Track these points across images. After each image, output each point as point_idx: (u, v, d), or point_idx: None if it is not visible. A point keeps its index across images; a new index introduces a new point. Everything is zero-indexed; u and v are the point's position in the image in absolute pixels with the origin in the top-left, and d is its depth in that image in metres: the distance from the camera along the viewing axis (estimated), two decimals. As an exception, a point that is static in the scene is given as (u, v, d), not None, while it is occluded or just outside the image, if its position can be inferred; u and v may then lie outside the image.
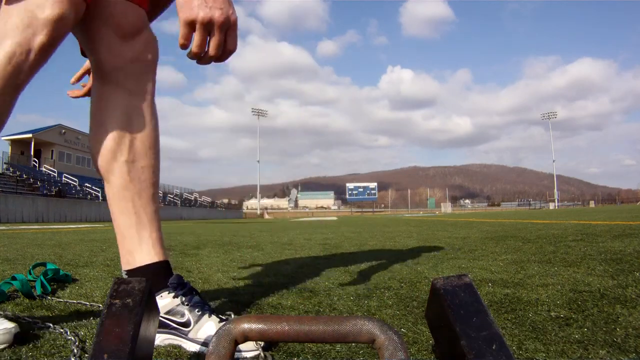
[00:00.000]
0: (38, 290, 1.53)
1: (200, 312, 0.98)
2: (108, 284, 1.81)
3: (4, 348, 0.94)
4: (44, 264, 1.88)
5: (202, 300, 1.02)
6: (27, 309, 1.35)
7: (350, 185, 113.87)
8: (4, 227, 11.48)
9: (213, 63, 0.86)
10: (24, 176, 27.36)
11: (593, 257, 2.22)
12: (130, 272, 1.03)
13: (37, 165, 32.93)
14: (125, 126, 0.98)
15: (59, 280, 1.82)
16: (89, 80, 1.21)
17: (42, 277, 1.61)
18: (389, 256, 2.70)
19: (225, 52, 0.85)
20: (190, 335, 0.96)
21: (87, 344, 0.98)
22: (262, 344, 0.88)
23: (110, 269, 2.34)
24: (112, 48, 0.95)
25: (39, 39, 0.77)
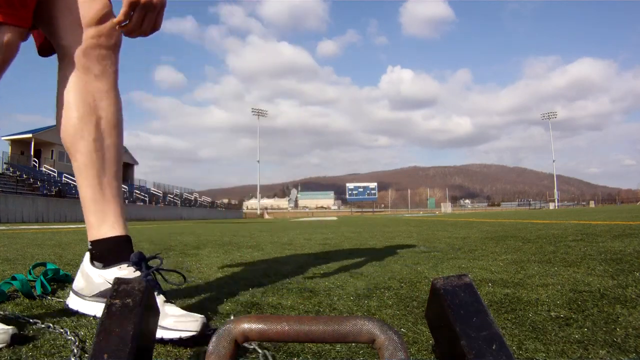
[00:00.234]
0: (38, 290, 1.53)
1: (156, 292, 1.00)
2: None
3: (2, 348, 0.94)
4: (44, 264, 1.88)
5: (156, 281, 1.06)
6: (27, 309, 1.35)
7: (350, 185, 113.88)
8: (4, 227, 11.48)
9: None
10: (24, 176, 27.36)
11: (593, 257, 2.22)
12: (94, 243, 1.08)
13: (37, 165, 32.93)
14: (91, 107, 1.04)
15: (59, 280, 1.82)
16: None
17: (42, 277, 1.61)
18: (389, 256, 2.70)
19: (153, 29, 1.00)
20: None
21: (87, 344, 0.98)
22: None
23: (110, 269, 2.34)
24: (77, 35, 1.02)
25: None
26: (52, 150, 36.29)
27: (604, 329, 1.01)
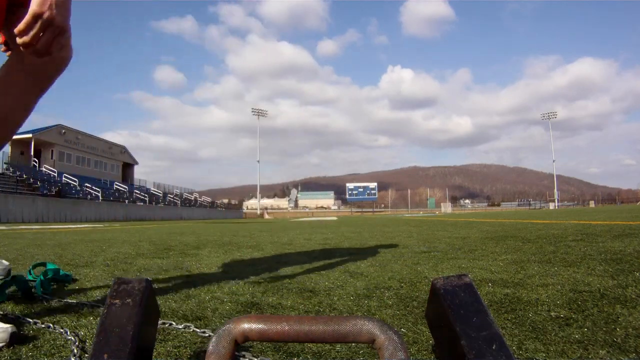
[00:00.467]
0: (38, 291, 1.53)
1: None
2: (108, 284, 1.81)
3: (2, 347, 0.94)
4: (43, 264, 1.88)
5: None
6: (27, 309, 1.35)
7: (350, 185, 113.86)
8: (4, 227, 11.48)
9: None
10: (24, 176, 27.35)
11: (593, 257, 2.22)
12: None
13: (37, 165, 32.92)
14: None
15: (59, 280, 1.82)
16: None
17: (42, 277, 1.61)
18: (389, 256, 2.70)
19: (47, 51, 0.96)
20: None
21: (87, 344, 0.98)
22: None
23: (110, 269, 2.34)
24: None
25: None
26: (52, 150, 36.28)
27: (604, 329, 1.01)
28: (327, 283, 1.75)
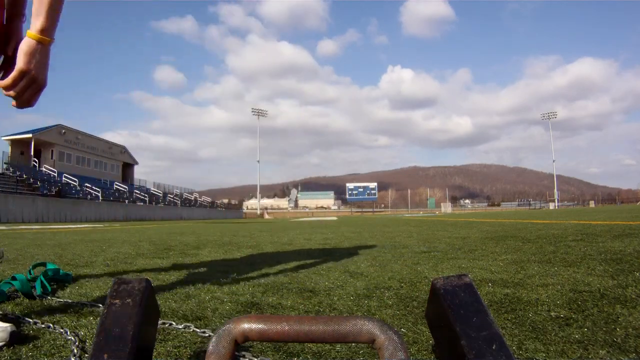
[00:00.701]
0: (38, 290, 1.53)
1: None
2: (108, 284, 1.81)
3: (2, 346, 0.94)
4: (43, 264, 1.88)
5: None
6: (27, 309, 1.35)
7: (350, 185, 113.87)
8: (4, 227, 11.48)
9: None
10: (24, 176, 27.35)
11: (593, 257, 2.22)
12: None
13: (37, 165, 32.92)
14: None
15: (59, 280, 1.82)
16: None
17: (42, 277, 1.61)
18: (389, 256, 2.70)
19: (29, 104, 1.08)
20: None
21: (87, 344, 0.98)
22: None
23: (110, 269, 2.34)
24: None
25: None
26: (52, 150, 36.27)
27: (604, 329, 1.01)
28: (327, 283, 1.75)
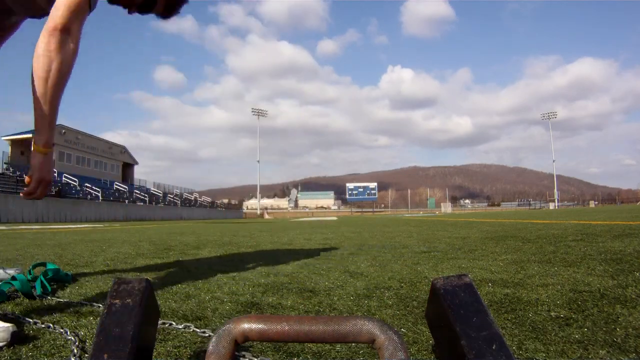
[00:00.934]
0: (38, 290, 1.53)
1: None
2: (108, 284, 1.81)
3: (3, 346, 0.94)
4: (44, 264, 1.88)
5: None
6: (27, 309, 1.35)
7: (350, 185, 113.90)
8: (4, 227, 11.48)
9: None
10: (24, 176, 27.32)
11: (593, 257, 2.22)
12: None
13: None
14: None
15: (59, 280, 1.82)
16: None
17: (42, 277, 1.61)
18: (389, 256, 2.70)
19: (40, 197, 1.39)
20: None
21: (87, 344, 0.98)
22: None
23: (110, 269, 2.34)
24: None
25: None
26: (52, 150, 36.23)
27: (604, 329, 1.01)
28: (327, 283, 1.75)
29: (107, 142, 44.61)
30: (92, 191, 30.77)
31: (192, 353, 0.93)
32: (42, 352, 0.92)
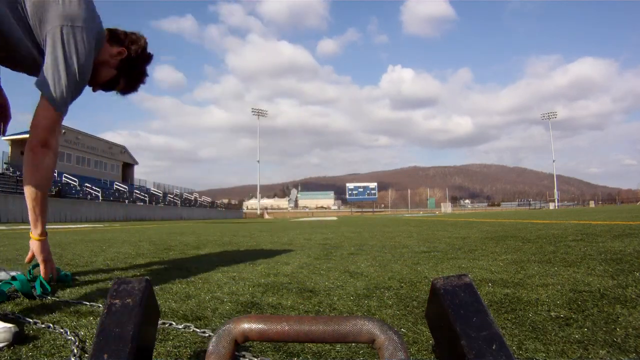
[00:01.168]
0: (38, 290, 1.53)
1: None
2: (108, 284, 1.81)
3: (4, 347, 0.94)
4: None
5: None
6: (27, 309, 1.35)
7: (350, 185, 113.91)
8: (4, 227, 11.48)
9: None
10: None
11: (593, 257, 2.22)
12: None
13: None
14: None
15: (59, 280, 1.82)
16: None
17: (41, 277, 1.61)
18: (389, 256, 2.70)
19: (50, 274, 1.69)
20: None
21: (87, 344, 0.98)
22: None
23: (110, 269, 2.34)
24: None
25: None
26: (52, 150, 36.23)
27: (604, 329, 1.01)
28: (327, 283, 1.75)
29: (107, 142, 44.61)
30: (92, 191, 30.78)
31: (192, 353, 0.93)
32: (42, 352, 0.92)
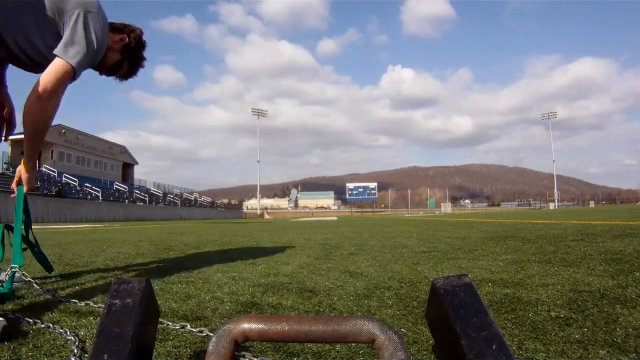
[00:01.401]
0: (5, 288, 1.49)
1: None
2: (108, 284, 1.81)
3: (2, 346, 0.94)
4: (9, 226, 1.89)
5: None
6: (27, 309, 1.35)
7: (350, 185, 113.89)
8: (4, 227, 11.46)
9: None
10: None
11: (593, 257, 2.22)
12: None
13: (37, 165, 32.91)
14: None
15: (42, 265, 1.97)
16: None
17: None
18: (389, 256, 2.70)
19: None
20: None
21: (87, 344, 0.98)
22: None
23: (110, 269, 2.34)
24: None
25: None
26: (52, 150, 36.26)
27: (604, 329, 1.01)
28: (327, 283, 1.75)
29: (107, 142, 44.60)
30: (92, 191, 30.77)
31: (192, 353, 0.93)
32: (42, 352, 0.92)
